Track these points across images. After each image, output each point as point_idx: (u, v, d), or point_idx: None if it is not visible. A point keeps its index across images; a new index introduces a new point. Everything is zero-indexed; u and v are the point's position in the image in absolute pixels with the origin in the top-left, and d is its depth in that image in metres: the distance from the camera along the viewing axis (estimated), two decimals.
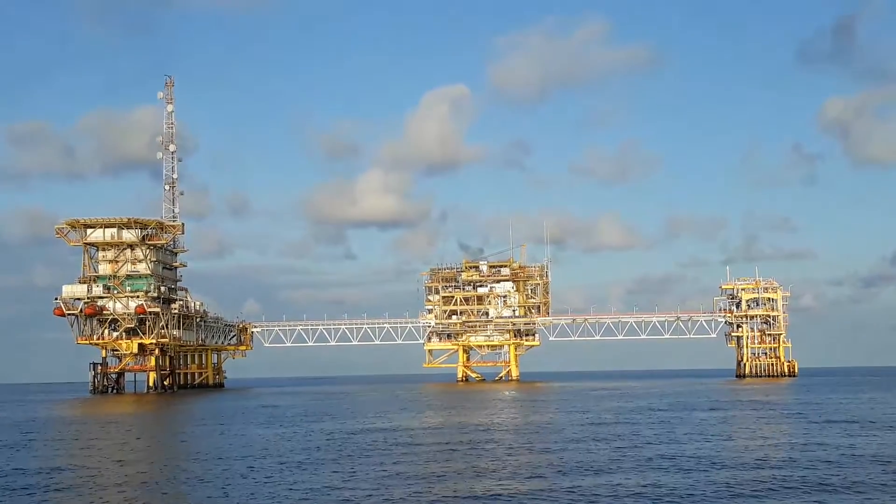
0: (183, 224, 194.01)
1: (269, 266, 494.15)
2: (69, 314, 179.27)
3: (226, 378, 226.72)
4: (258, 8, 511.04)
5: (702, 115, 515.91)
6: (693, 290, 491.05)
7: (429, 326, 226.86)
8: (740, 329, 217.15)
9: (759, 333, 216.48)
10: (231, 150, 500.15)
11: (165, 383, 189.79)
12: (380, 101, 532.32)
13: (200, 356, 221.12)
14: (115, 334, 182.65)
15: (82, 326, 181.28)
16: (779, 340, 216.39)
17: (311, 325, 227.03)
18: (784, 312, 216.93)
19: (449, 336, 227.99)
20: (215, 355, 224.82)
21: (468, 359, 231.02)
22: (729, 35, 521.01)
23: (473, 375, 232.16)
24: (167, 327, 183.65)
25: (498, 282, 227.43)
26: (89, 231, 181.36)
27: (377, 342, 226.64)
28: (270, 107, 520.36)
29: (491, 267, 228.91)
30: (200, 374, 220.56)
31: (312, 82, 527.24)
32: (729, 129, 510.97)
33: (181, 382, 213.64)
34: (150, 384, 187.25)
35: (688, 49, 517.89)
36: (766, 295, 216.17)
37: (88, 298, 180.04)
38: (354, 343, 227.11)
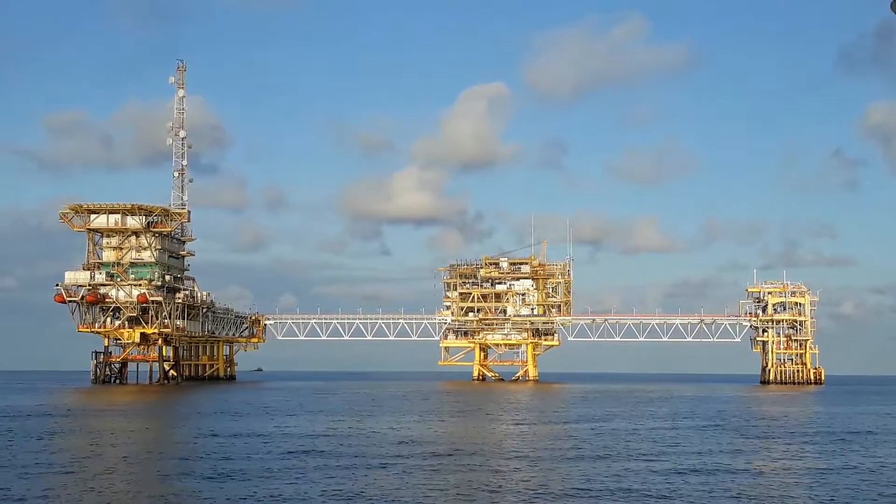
0: (189, 212, 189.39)
1: (306, 261, 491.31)
2: (70, 301, 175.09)
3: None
4: (295, 5, 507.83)
5: (741, 117, 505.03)
6: (731, 294, 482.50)
7: (445, 323, 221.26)
8: (766, 334, 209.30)
9: (785, 339, 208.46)
10: (268, 145, 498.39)
11: (170, 374, 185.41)
12: (417, 97, 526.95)
13: (211, 347, 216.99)
14: (116, 323, 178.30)
15: (84, 314, 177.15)
16: (805, 346, 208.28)
17: (325, 318, 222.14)
18: (812, 318, 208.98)
19: (465, 334, 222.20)
20: (227, 347, 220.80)
21: (485, 357, 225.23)
22: (770, 37, 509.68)
23: (490, 375, 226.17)
24: (170, 317, 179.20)
25: (517, 279, 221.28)
26: (93, 217, 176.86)
27: (392, 338, 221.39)
28: (308, 102, 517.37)
29: (511, 264, 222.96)
30: (211, 365, 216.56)
31: (350, 78, 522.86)
32: (769, 132, 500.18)
33: (190, 374, 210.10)
34: (161, 375, 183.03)
35: (728, 49, 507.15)
36: (794, 299, 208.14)
37: (90, 286, 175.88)
38: (368, 338, 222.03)
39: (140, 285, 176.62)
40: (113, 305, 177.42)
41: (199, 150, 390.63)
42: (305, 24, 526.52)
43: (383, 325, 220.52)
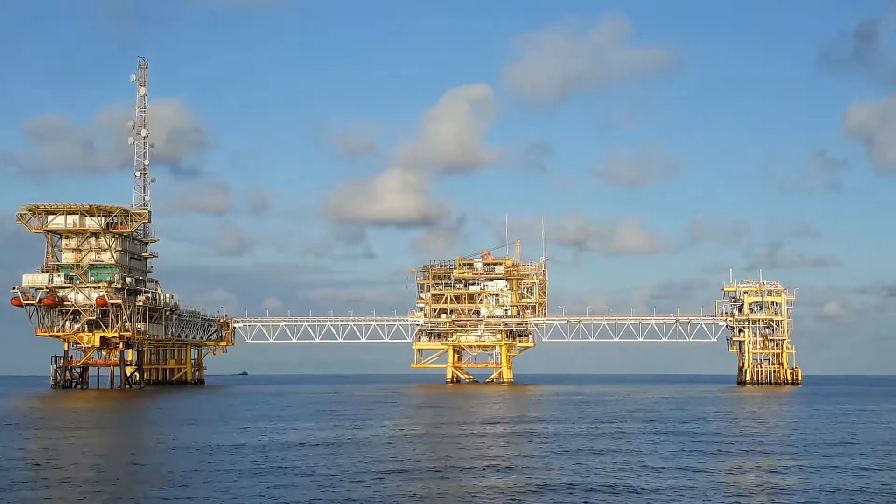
0: (150, 212, 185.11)
1: (290, 264, 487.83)
2: (27, 304, 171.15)
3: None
4: (276, 7, 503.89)
5: (723, 118, 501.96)
6: (716, 295, 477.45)
7: (417, 325, 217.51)
8: (742, 334, 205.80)
9: (761, 339, 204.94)
10: (250, 149, 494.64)
11: (132, 379, 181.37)
12: (399, 100, 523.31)
13: (179, 351, 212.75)
14: (76, 326, 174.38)
15: (42, 317, 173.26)
16: (782, 346, 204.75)
17: (296, 321, 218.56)
18: (789, 317, 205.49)
19: (438, 336, 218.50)
20: (195, 351, 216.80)
21: (459, 359, 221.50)
22: (750, 37, 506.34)
23: (464, 377, 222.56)
24: (131, 320, 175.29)
25: (491, 280, 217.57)
26: (50, 218, 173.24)
27: (363, 340, 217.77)
28: (289, 106, 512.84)
29: (485, 265, 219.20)
30: (179, 369, 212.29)
31: (331, 81, 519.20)
32: (750, 133, 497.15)
33: (158, 378, 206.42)
34: (123, 379, 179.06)
35: (709, 50, 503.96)
36: (770, 298, 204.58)
37: (48, 288, 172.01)
38: (340, 341, 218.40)
39: (99, 287, 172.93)
40: (72, 308, 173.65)
41: (180, 153, 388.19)
42: (287, 26, 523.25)
43: (354, 327, 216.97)
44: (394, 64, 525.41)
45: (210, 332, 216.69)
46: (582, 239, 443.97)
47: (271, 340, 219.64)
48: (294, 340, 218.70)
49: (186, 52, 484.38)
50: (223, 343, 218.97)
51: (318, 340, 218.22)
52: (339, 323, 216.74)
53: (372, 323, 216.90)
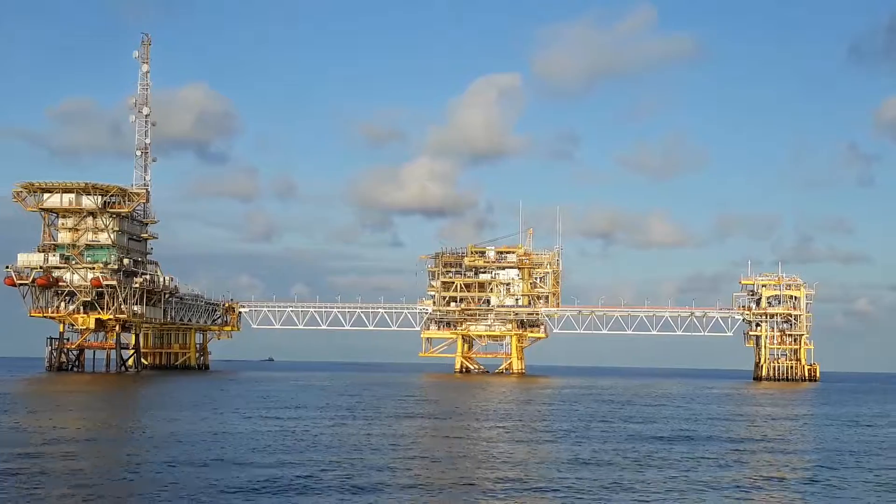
0: (148, 192, 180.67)
1: (317, 251, 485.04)
2: (20, 284, 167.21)
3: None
4: None
5: (751, 110, 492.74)
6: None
7: (426, 313, 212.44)
8: (759, 328, 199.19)
9: (779, 333, 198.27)
10: (278, 134, 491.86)
11: (128, 363, 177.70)
12: (428, 88, 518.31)
13: (183, 335, 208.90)
14: (71, 307, 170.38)
15: (36, 298, 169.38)
16: (800, 342, 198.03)
17: (302, 307, 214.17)
18: (807, 312, 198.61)
19: (448, 324, 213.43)
20: (199, 335, 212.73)
21: (469, 348, 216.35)
22: (779, 28, 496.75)
23: (474, 367, 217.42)
24: (126, 302, 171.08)
25: (503, 268, 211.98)
26: (46, 196, 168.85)
27: (370, 327, 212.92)
28: (318, 91, 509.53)
29: (498, 253, 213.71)
30: (183, 354, 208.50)
31: (360, 68, 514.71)
32: (779, 125, 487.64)
33: (161, 362, 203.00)
34: (118, 363, 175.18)
35: (737, 41, 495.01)
36: (788, 292, 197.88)
37: (42, 268, 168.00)
38: (347, 328, 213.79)
39: (94, 268, 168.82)
40: (67, 289, 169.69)
41: (208, 138, 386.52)
42: (317, 11, 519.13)
43: (362, 314, 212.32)
44: (423, 51, 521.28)
45: (215, 317, 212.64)
46: (610, 231, 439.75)
47: (277, 326, 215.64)
48: (300, 326, 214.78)
49: (214, 38, 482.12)
50: (228, 328, 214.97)
51: (324, 327, 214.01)
52: (346, 309, 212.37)
53: (380, 310, 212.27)
